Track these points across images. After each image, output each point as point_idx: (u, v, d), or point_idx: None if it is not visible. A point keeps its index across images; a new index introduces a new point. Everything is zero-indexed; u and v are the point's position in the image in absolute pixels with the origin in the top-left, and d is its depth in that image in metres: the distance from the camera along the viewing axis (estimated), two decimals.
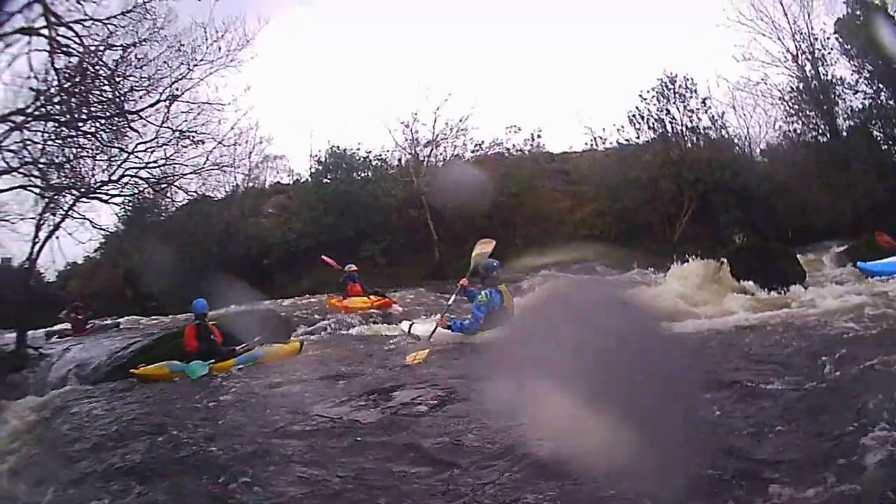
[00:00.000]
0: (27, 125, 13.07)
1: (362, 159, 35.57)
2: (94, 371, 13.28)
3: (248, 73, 37.87)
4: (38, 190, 14.58)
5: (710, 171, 28.97)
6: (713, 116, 31.49)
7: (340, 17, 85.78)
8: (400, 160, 36.69)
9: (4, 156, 12.99)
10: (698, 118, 31.36)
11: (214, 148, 17.93)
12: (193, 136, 16.67)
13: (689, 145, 31.30)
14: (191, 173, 17.96)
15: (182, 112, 16.42)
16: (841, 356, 7.21)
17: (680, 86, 31.14)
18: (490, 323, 11.60)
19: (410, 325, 13.35)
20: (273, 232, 34.83)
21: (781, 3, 30.25)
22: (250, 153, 34.71)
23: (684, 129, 31.38)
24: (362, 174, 35.14)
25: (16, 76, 12.94)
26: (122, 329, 21.73)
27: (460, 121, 35.60)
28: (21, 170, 13.55)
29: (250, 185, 37.46)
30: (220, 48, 16.34)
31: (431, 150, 36.21)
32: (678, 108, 31.17)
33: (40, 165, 13.94)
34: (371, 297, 19.34)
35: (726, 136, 31.92)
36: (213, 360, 12.04)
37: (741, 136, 32.27)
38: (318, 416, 7.59)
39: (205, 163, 17.95)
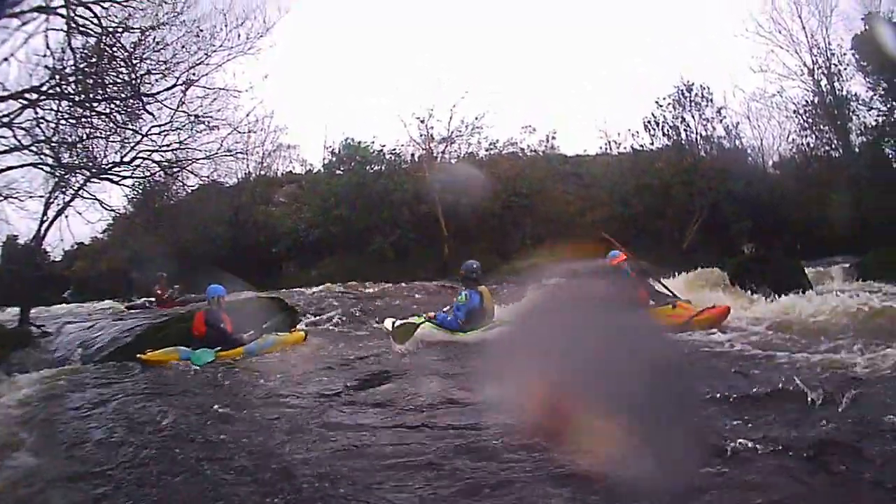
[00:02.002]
0: (40, 103, 12.98)
1: (376, 152, 35.45)
2: (96, 351, 13.03)
3: (266, 62, 37.96)
4: (48, 168, 14.54)
5: (722, 180, 28.82)
6: (728, 126, 31.46)
7: (360, 10, 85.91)
8: (413, 155, 36.60)
9: (16, 133, 12.93)
10: (713, 127, 31.33)
11: (229, 134, 17.70)
12: (209, 122, 16.42)
13: (703, 154, 31.14)
14: (204, 158, 17.72)
15: (198, 97, 16.14)
16: (834, 367, 7.29)
17: (696, 94, 31.09)
18: (471, 322, 12.21)
19: (393, 324, 13.34)
20: (283, 221, 34.96)
21: (800, 17, 30.08)
22: (264, 141, 34.82)
23: (699, 137, 31.30)
24: (375, 167, 34.97)
25: (31, 54, 12.84)
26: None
27: (476, 119, 35.76)
28: (32, 147, 13.51)
29: (262, 173, 37.65)
30: (239, 35, 16.12)
31: (446, 146, 36.31)
32: (693, 117, 31.15)
33: (52, 144, 13.87)
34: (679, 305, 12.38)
35: (740, 146, 31.78)
36: (220, 348, 11.90)
37: (755, 147, 32.21)
38: (317, 409, 7.50)
39: (218, 149, 17.65)
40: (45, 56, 12.64)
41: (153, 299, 22.08)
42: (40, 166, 14.25)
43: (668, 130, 31.56)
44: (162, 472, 5.65)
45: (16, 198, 14.60)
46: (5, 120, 12.50)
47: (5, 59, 11.98)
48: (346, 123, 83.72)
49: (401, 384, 8.71)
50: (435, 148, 36.15)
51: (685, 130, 31.29)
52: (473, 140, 36.65)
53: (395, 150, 36.18)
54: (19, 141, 13.07)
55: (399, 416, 6.93)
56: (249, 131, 20.17)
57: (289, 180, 39.81)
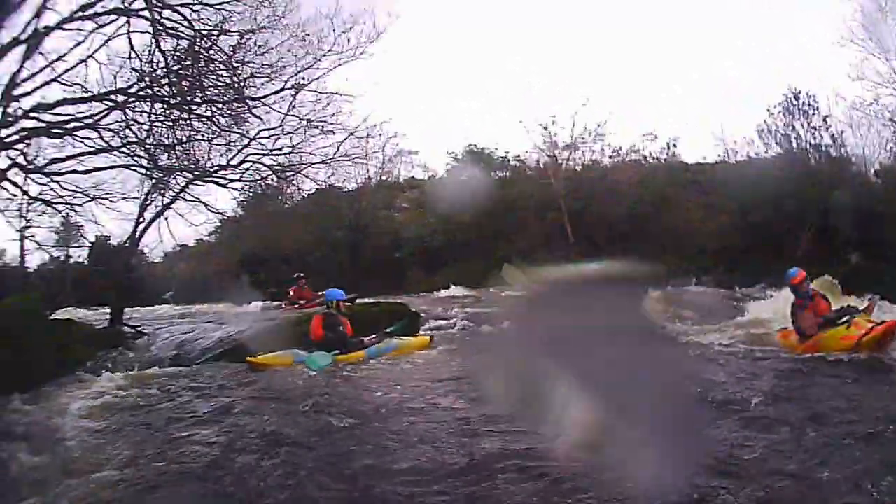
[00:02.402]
0: (129, 105, 13.11)
1: (500, 159, 35.66)
2: (200, 353, 13.17)
3: (382, 67, 38.20)
4: (144, 170, 14.69)
5: (830, 189, 28.01)
6: (833, 135, 30.58)
7: (477, 14, 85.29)
8: (538, 161, 36.41)
9: (103, 134, 13.06)
10: (820, 136, 30.58)
11: (346, 139, 17.99)
12: (323, 126, 16.67)
13: (813, 162, 30.52)
14: (319, 163, 17.99)
15: (310, 101, 16.42)
16: None
17: (803, 102, 30.46)
18: None
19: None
20: (407, 226, 35.16)
21: (888, 24, 28.42)
22: (383, 146, 34.96)
23: (808, 145, 30.65)
24: (500, 174, 35.10)
25: (114, 56, 13.07)
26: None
27: (598, 126, 35.21)
28: (123, 149, 13.63)
29: (383, 178, 37.66)
30: (349, 40, 16.21)
31: (570, 153, 35.81)
32: (802, 125, 30.50)
33: (147, 146, 13.95)
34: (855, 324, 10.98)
35: (846, 154, 30.86)
36: (338, 351, 11.79)
37: (858, 155, 31.07)
38: (439, 423, 7.27)
39: (335, 153, 17.99)
40: (129, 58, 12.83)
41: (286, 301, 22.14)
42: (134, 168, 14.40)
43: (779, 139, 31.16)
44: (267, 483, 5.56)
45: (106, 198, 14.73)
46: (89, 121, 12.70)
47: (83, 62, 12.21)
48: (468, 130, 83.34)
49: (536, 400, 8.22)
50: (559, 154, 35.69)
51: (795, 139, 30.77)
52: (597, 147, 36.07)
53: (518, 156, 36.37)
54: (107, 142, 13.20)
55: (532, 438, 6.37)
56: (367, 136, 20.23)
57: (411, 185, 39.73)
